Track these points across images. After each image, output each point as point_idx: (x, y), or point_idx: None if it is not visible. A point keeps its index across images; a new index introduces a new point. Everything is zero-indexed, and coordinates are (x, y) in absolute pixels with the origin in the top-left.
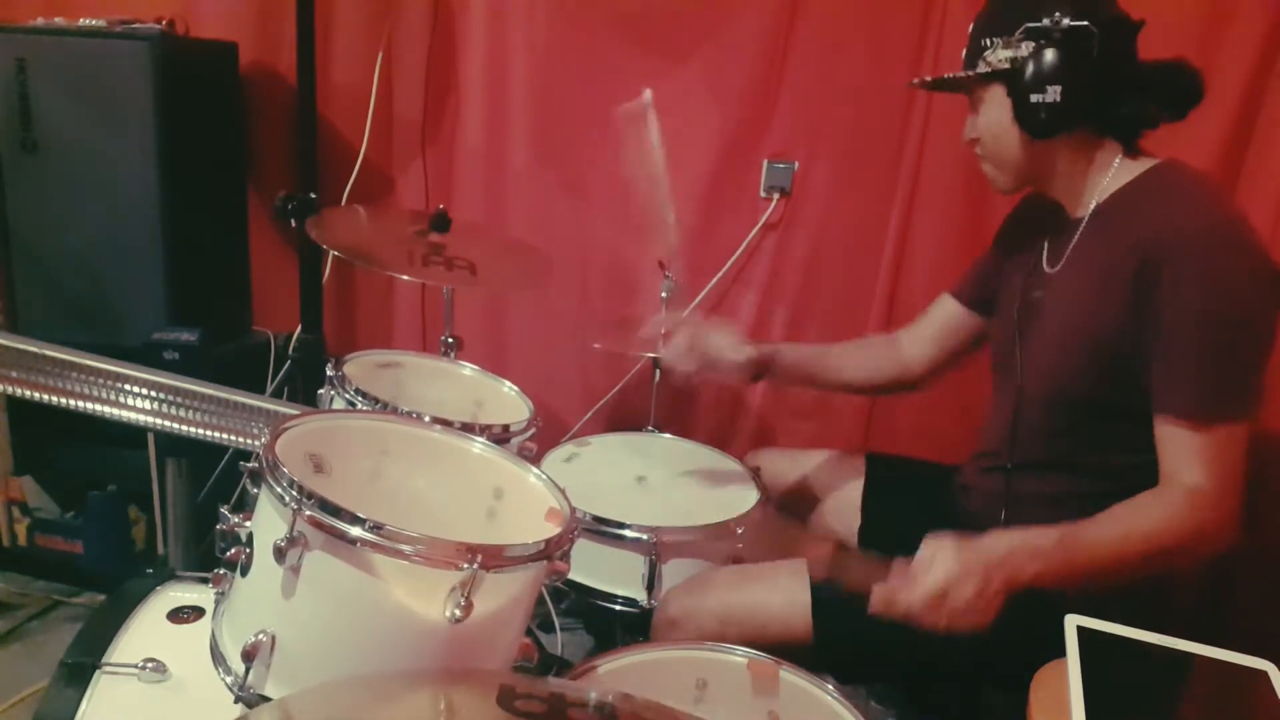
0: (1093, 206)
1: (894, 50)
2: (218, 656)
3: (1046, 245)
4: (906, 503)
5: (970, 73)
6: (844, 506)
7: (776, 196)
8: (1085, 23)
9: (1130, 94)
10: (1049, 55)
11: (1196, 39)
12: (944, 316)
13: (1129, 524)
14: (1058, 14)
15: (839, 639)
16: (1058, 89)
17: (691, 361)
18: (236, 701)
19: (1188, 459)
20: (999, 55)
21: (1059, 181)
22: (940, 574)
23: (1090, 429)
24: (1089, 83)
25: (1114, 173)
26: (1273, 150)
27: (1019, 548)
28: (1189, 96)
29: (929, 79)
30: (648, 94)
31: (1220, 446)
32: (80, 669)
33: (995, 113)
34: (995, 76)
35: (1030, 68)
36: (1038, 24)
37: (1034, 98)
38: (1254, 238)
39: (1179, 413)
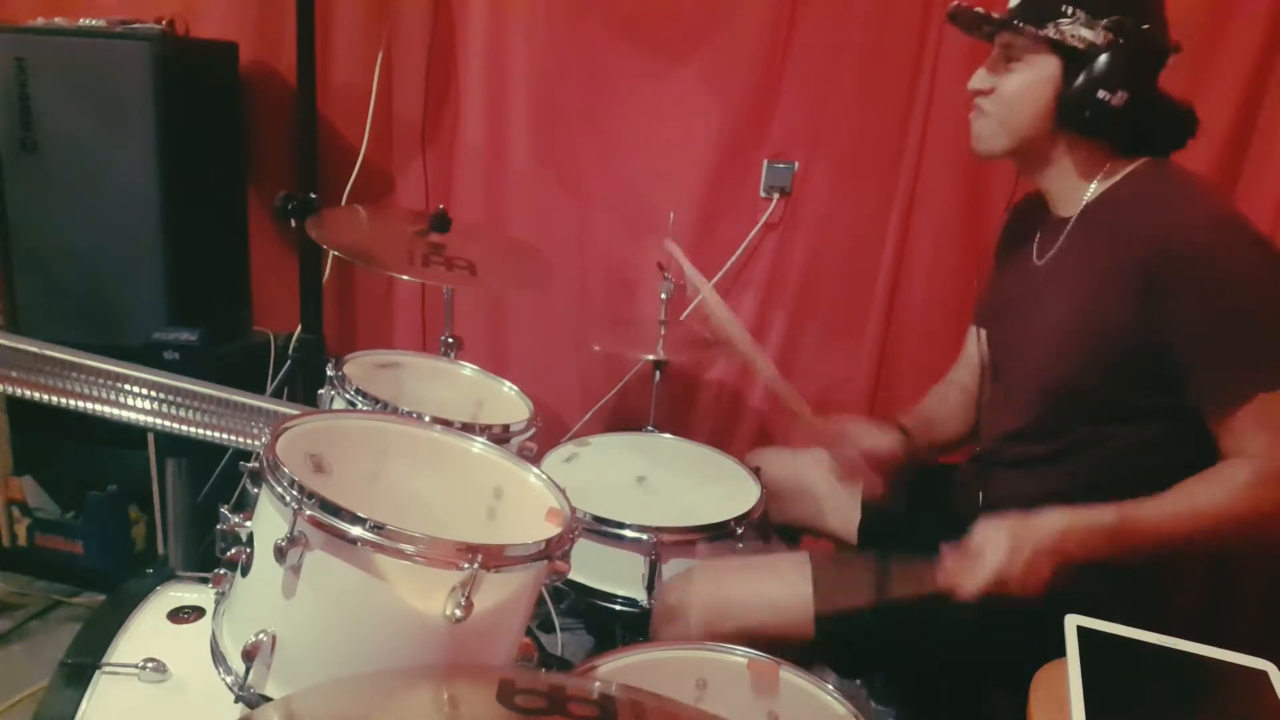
0: (1082, 206)
1: (894, 50)
2: (218, 656)
3: (1035, 244)
4: (906, 502)
5: (1034, 29)
6: (844, 504)
7: (776, 196)
8: (1154, 33)
9: (1152, 116)
10: (1126, 56)
11: (1197, 39)
12: (975, 348)
13: (1195, 504)
14: (1140, 16)
15: (840, 632)
16: (1124, 95)
17: (856, 465)
18: (237, 701)
19: (1247, 440)
20: (1079, 31)
21: (1049, 172)
22: (994, 561)
23: (1074, 426)
24: (1145, 95)
25: (1104, 172)
26: (1273, 150)
27: (1072, 529)
28: (1182, 137)
29: (977, 8)
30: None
31: (1264, 419)
32: (80, 669)
33: (1033, 81)
34: (1061, 49)
35: (1105, 60)
36: (1127, 16)
37: (1100, 93)
38: (1250, 225)
39: (1226, 400)
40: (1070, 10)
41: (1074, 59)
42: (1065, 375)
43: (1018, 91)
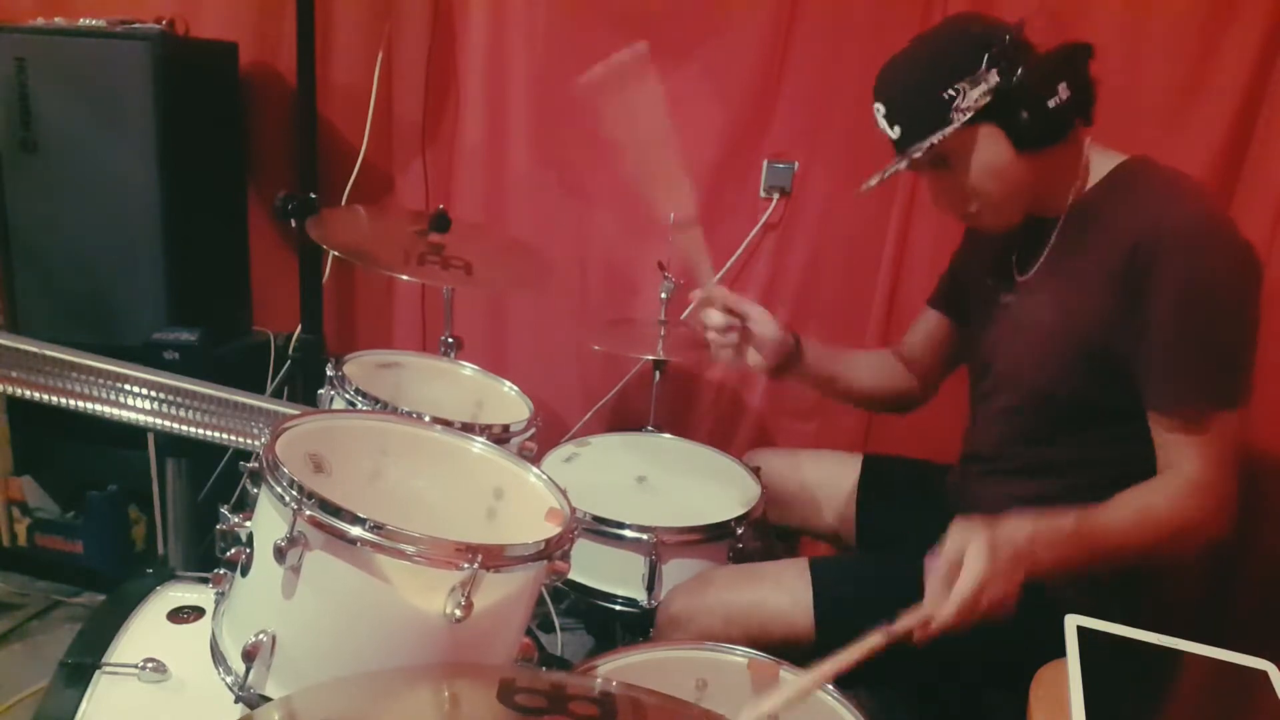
0: (1067, 207)
1: (894, 50)
2: (218, 656)
3: (1018, 250)
4: (900, 503)
5: (951, 130)
6: (840, 506)
7: (776, 196)
8: (1020, 29)
9: (1066, 75)
10: (1029, 68)
11: (1196, 39)
12: (928, 328)
13: (1138, 510)
14: (1005, 35)
15: (842, 640)
16: (1062, 84)
17: (727, 329)
18: (237, 701)
19: (1185, 452)
20: (973, 97)
21: (1054, 187)
22: (973, 578)
23: (1067, 430)
24: (1070, 76)
25: (1081, 167)
26: (1273, 150)
27: (1040, 534)
28: (1083, 61)
29: (888, 172)
30: (643, 45)
31: (1214, 437)
32: (80, 669)
33: (989, 152)
34: (981, 116)
35: (1021, 86)
36: (999, 47)
37: (1048, 104)
38: (1237, 230)
39: (1174, 409)
40: (953, 90)
41: (999, 110)
42: (1051, 378)
43: (987, 171)
